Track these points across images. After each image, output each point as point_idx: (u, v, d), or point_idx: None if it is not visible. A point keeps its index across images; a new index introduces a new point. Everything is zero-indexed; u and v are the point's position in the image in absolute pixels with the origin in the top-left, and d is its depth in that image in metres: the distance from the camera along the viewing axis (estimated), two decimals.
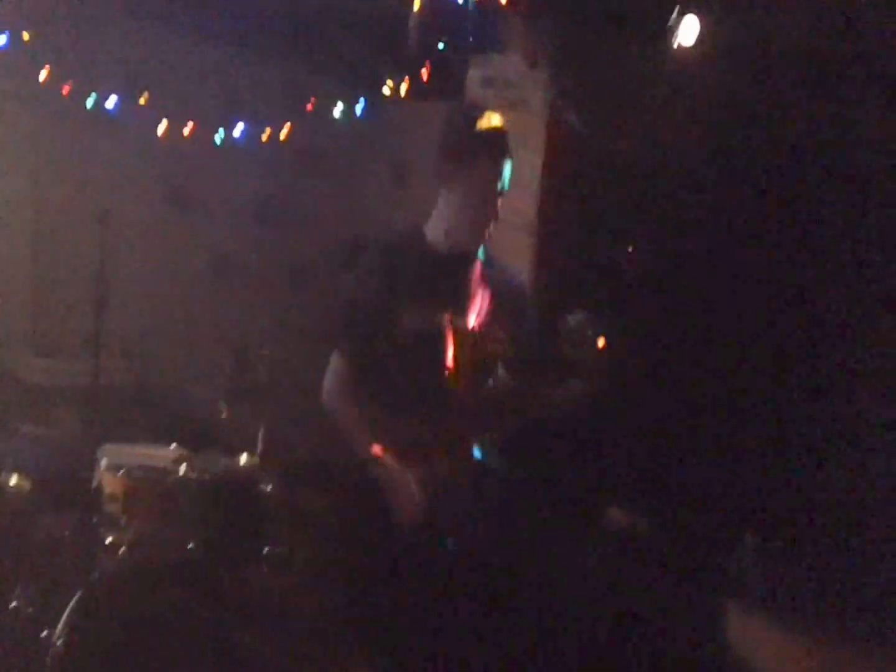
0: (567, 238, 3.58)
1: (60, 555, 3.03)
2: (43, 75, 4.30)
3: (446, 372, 2.45)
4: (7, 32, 4.11)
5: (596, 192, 3.65)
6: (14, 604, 2.79)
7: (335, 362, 2.52)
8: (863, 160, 3.10)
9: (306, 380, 4.98)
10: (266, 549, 3.28)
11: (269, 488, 3.42)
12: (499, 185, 2.49)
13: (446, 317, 2.45)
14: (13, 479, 3.18)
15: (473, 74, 5.17)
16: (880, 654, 2.60)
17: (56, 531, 3.10)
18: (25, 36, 4.17)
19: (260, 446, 3.75)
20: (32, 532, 3.09)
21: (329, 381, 2.52)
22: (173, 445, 3.76)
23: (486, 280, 2.56)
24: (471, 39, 4.94)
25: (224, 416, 3.83)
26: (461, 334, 2.47)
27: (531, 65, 4.51)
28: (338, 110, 4.92)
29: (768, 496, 3.13)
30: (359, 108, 4.96)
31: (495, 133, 2.48)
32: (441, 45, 5.03)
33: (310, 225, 5.73)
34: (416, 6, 4.58)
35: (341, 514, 2.76)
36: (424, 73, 4.85)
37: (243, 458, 3.65)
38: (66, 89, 4.37)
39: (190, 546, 3.13)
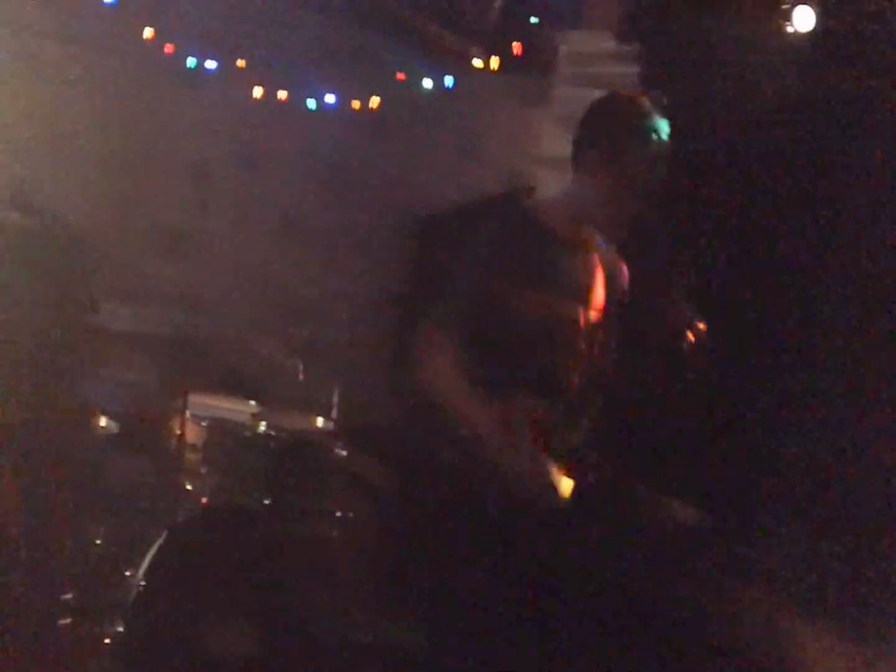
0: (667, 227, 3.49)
1: (144, 497, 3.17)
2: (147, 34, 4.41)
3: (557, 361, 2.38)
4: None
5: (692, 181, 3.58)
6: (99, 541, 2.93)
7: (431, 334, 2.37)
8: None
9: (382, 345, 5.07)
10: (337, 513, 3.35)
11: (343, 453, 3.49)
12: (650, 174, 2.38)
13: (563, 303, 2.37)
14: (102, 421, 3.34)
15: (564, 50, 5.16)
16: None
17: (140, 474, 3.23)
18: None
19: (335, 410, 3.83)
20: (118, 473, 3.23)
21: (423, 352, 2.37)
22: (252, 401, 3.87)
23: (603, 268, 2.47)
24: (563, 14, 4.92)
25: (301, 376, 3.92)
26: (576, 323, 2.39)
27: (623, 41, 4.45)
28: (428, 83, 4.94)
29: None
30: (448, 81, 4.97)
31: (647, 119, 2.36)
32: (533, 20, 5.02)
33: (387, 192, 5.80)
34: None
35: (417, 487, 2.72)
36: (516, 47, 4.84)
37: (319, 421, 3.74)
38: (168, 49, 4.48)
39: (266, 501, 3.23)
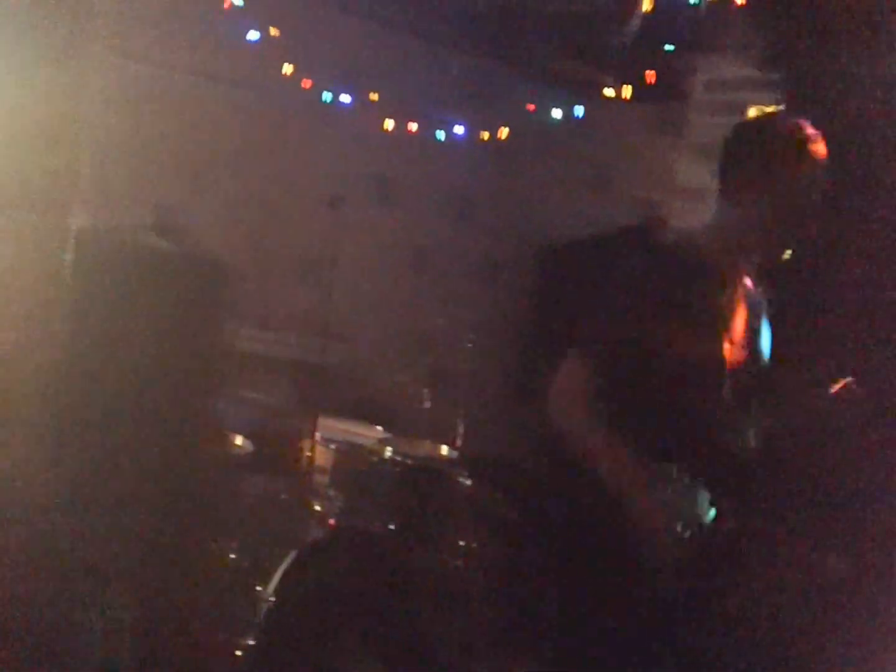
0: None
1: (275, 515, 3.24)
2: (287, 70, 4.59)
3: (699, 401, 2.25)
4: (259, 28, 4.41)
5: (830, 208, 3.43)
6: (233, 556, 3.01)
7: (576, 368, 2.28)
8: None
9: (507, 376, 5.06)
10: (460, 542, 3.33)
11: (467, 483, 3.48)
12: (808, 197, 2.26)
13: (709, 340, 2.25)
14: (238, 440, 3.45)
15: (700, 77, 5.07)
16: None
17: (272, 493, 3.31)
18: (274, 32, 4.47)
19: (459, 439, 3.83)
20: (252, 490, 3.32)
21: (566, 386, 2.28)
22: (379, 427, 3.91)
23: (747, 302, 2.36)
24: (699, 41, 4.84)
25: (427, 404, 3.94)
26: (721, 362, 2.26)
27: (762, 67, 4.32)
28: (557, 112, 4.94)
29: None
30: (578, 111, 4.96)
31: (801, 138, 2.26)
32: (668, 47, 4.95)
33: (518, 223, 5.82)
34: (648, 6, 4.53)
35: (541, 520, 2.65)
36: (650, 75, 4.78)
37: (444, 449, 3.74)
38: (306, 84, 4.65)
39: (391, 526, 3.24)
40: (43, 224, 2.99)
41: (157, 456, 3.05)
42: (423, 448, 3.71)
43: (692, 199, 5.15)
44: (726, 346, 2.26)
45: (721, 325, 2.26)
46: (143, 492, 2.97)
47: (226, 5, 4.38)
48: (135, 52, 4.54)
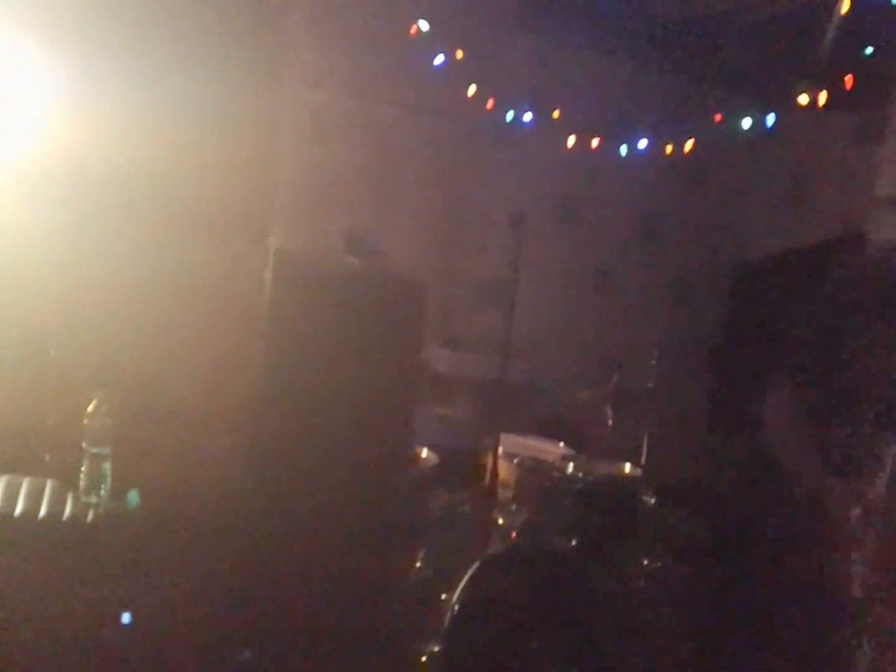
0: None
1: (460, 527, 3.30)
2: (471, 91, 4.69)
3: None
4: (444, 52, 4.54)
5: None
6: (419, 564, 3.09)
7: (791, 394, 2.24)
8: None
9: (691, 396, 4.92)
10: (644, 561, 3.28)
11: (651, 501, 3.42)
12: None
13: None
14: (424, 453, 3.54)
15: None
16: None
17: (458, 505, 3.37)
18: (459, 54, 4.58)
19: (643, 457, 3.77)
20: (438, 502, 3.40)
21: (783, 413, 2.26)
22: (561, 443, 3.90)
23: None
24: None
25: (609, 422, 3.89)
26: None
27: None
28: (747, 122, 4.76)
29: None
30: (769, 120, 4.77)
31: None
32: (868, 51, 4.69)
33: (704, 239, 5.68)
34: (845, 9, 4.31)
35: (729, 542, 2.57)
36: (848, 81, 4.54)
37: (626, 467, 3.69)
38: (489, 104, 4.74)
39: (572, 542, 3.22)
40: (244, 245, 3.18)
41: (352, 468, 3.18)
42: (605, 465, 3.68)
43: (894, 210, 4.85)
44: None
45: None
46: (337, 503, 3.10)
47: (412, 32, 4.53)
48: (326, 81, 4.79)
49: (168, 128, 2.94)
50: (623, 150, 4.88)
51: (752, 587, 2.36)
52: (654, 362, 4.03)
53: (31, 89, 3.08)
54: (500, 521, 3.36)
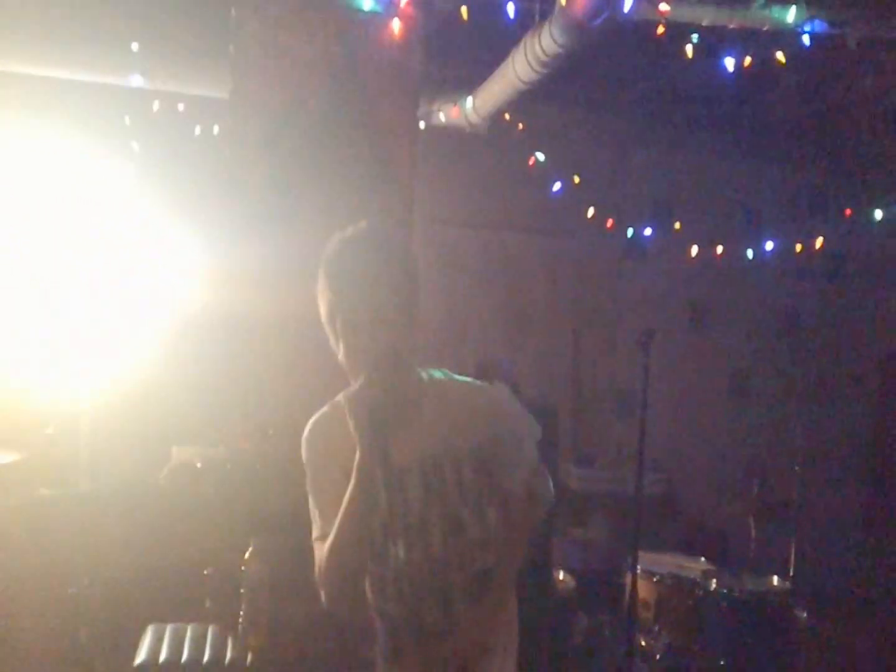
0: None
1: (602, 651, 3.30)
2: (590, 213, 4.88)
3: None
4: (561, 180, 4.76)
5: None
6: None
7: None
8: None
9: (838, 505, 4.74)
10: None
11: (803, 615, 3.33)
12: None
13: None
14: (560, 575, 3.58)
15: None
16: None
17: (596, 629, 3.38)
18: (576, 179, 4.79)
19: (791, 569, 3.68)
20: (578, 627, 3.41)
21: None
22: (702, 558, 3.85)
23: None
24: None
25: (752, 533, 3.84)
26: None
27: None
28: (878, 214, 4.71)
29: None
30: None
31: None
32: None
33: (839, 337, 5.55)
34: None
35: None
36: None
37: (774, 580, 3.61)
38: (609, 223, 4.90)
39: (720, 662, 3.18)
40: None
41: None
42: (751, 580, 3.60)
43: None
44: None
45: None
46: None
47: (530, 163, 4.78)
48: (452, 218, 5.09)
49: (300, 279, 3.15)
50: (749, 254, 4.90)
51: None
52: (797, 468, 3.96)
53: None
54: (643, 643, 3.35)
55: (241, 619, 2.46)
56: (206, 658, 2.39)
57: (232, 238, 3.30)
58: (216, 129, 4.41)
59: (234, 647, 2.45)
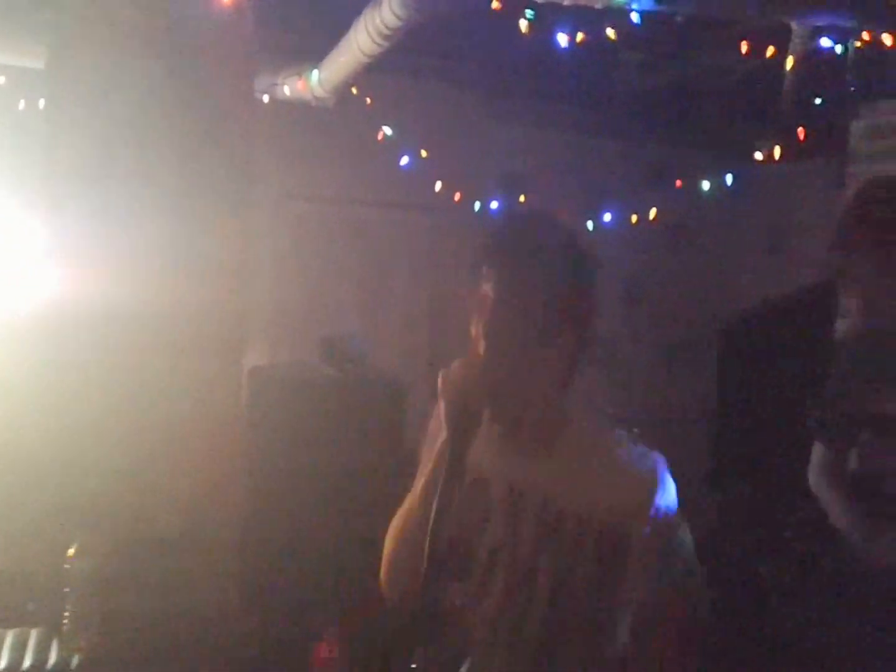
0: None
1: None
2: (438, 187, 4.85)
3: None
4: (409, 153, 4.71)
5: None
6: None
7: (819, 452, 2.38)
8: None
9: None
10: None
11: None
12: None
13: None
14: None
15: (857, 126, 4.88)
16: None
17: None
18: (423, 153, 4.75)
19: None
20: None
21: (813, 471, 2.39)
22: None
23: None
24: (852, 90, 4.67)
25: None
26: None
27: None
28: (706, 184, 4.89)
29: None
30: (728, 179, 4.88)
31: None
32: (818, 101, 4.81)
33: (683, 303, 5.73)
34: (790, 65, 4.44)
35: None
36: (801, 132, 4.66)
37: None
38: (456, 197, 4.89)
39: None
40: (218, 365, 3.21)
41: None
42: None
43: None
44: None
45: None
46: None
47: (379, 137, 4.71)
48: (298, 190, 4.97)
49: (139, 250, 2.96)
50: (589, 225, 4.99)
51: None
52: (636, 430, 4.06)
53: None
54: None
55: (65, 620, 2.34)
56: (26, 664, 2.25)
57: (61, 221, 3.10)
58: (42, 102, 4.14)
59: (59, 650, 2.32)
